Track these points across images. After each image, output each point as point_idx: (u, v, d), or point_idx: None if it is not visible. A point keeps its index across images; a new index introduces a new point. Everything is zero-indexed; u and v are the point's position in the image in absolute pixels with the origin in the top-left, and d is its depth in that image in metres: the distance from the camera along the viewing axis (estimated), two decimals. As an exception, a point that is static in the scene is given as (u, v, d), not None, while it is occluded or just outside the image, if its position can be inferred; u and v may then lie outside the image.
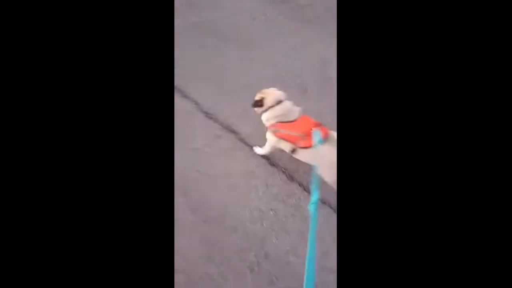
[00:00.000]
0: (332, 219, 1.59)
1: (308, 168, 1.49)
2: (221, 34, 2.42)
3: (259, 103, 1.58)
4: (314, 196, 1.09)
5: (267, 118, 1.58)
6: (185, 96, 2.05)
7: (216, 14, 2.56)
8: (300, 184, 1.73)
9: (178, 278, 1.32)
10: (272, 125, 1.56)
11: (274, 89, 1.62)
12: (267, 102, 1.56)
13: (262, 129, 1.66)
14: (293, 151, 1.54)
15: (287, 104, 1.56)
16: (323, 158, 1.37)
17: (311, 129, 1.43)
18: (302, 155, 1.53)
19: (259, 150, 1.77)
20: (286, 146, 1.56)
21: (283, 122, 1.52)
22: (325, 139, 1.41)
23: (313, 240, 0.89)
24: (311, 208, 1.05)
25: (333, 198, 1.62)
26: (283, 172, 1.77)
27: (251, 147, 1.83)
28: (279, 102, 1.55)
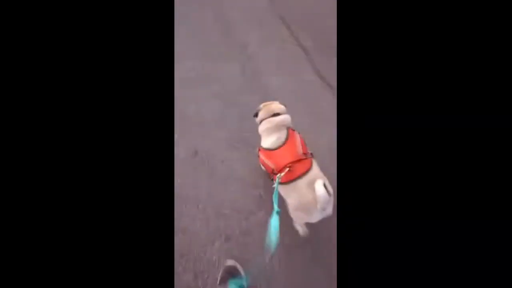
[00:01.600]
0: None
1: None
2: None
3: (255, 114, 1.49)
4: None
5: (259, 131, 1.46)
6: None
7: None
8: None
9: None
10: (259, 148, 1.44)
11: (277, 102, 1.49)
12: (261, 114, 1.45)
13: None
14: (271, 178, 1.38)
15: (277, 119, 1.41)
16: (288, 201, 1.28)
17: (285, 167, 1.24)
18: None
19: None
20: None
21: (264, 150, 1.38)
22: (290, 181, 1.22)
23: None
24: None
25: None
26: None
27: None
28: (272, 115, 1.42)
